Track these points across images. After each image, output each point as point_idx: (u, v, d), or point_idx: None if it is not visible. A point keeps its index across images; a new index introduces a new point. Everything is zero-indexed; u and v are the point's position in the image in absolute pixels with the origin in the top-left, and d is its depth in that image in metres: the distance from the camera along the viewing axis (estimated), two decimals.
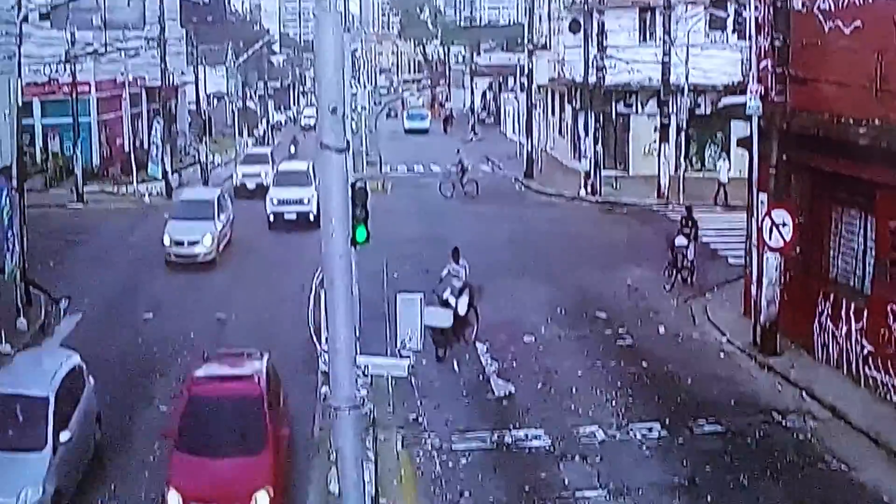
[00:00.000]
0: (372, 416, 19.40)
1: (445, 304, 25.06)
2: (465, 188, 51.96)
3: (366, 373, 14.71)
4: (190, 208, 37.56)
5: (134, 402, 22.28)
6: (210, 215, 37.04)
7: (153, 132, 54.38)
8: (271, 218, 42.77)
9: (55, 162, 55.19)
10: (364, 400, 13.58)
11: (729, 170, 46.27)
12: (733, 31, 51.57)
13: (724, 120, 47.33)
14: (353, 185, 13.31)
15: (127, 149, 59.18)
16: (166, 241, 35.69)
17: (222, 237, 37.44)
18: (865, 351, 22.32)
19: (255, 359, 19.62)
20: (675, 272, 31.91)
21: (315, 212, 39.79)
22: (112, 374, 23.94)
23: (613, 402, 22.31)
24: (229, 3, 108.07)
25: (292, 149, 67.92)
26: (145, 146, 59.39)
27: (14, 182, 29.12)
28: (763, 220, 24.05)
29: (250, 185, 51.44)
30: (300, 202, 42.58)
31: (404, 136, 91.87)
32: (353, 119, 52.59)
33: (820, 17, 23.52)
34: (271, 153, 57.83)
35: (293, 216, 42.38)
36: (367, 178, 34.38)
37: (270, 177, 48.20)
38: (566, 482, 18.50)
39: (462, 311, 25.55)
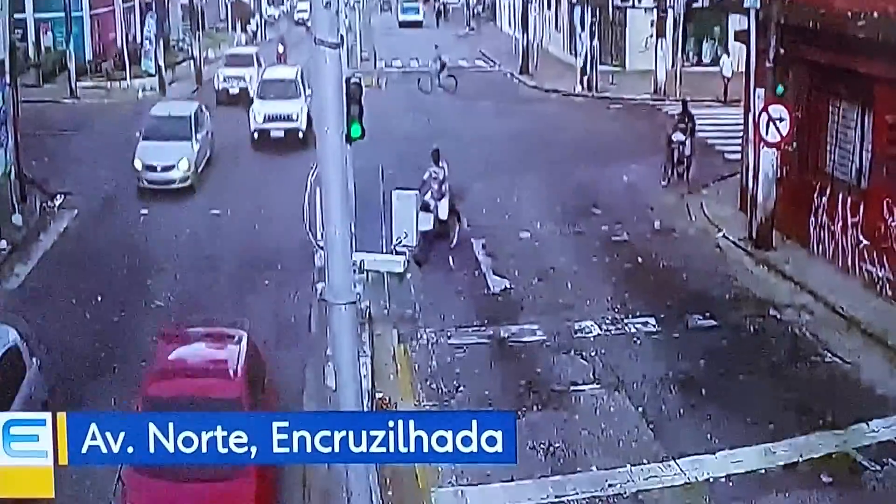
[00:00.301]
0: (368, 312, 19.44)
1: (426, 207, 24.20)
2: (443, 83, 51.86)
3: (362, 269, 14.72)
4: (163, 126, 32.90)
5: (128, 301, 22.21)
6: (186, 134, 32.64)
7: (146, 27, 53.69)
8: (255, 135, 37.95)
9: (48, 57, 54.69)
10: (360, 296, 13.57)
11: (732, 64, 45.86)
12: None
13: (721, 13, 46.80)
14: (347, 81, 13.19)
15: (120, 44, 58.54)
16: (137, 166, 31.42)
17: (200, 158, 33.09)
18: (861, 245, 22.38)
19: (231, 340, 15.61)
20: (671, 167, 31.79)
21: (304, 128, 36.83)
22: (108, 270, 24.00)
23: (609, 297, 22.41)
24: None
25: (280, 49, 61.25)
26: (138, 41, 58.76)
27: (7, 77, 28.88)
28: (760, 114, 23.91)
29: (233, 90, 47.19)
30: (288, 118, 37.89)
31: (398, 30, 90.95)
32: (346, 14, 51.69)
33: None
34: (257, 54, 52.42)
35: (280, 133, 37.76)
36: (361, 74, 34.00)
37: (256, 81, 43.14)
38: (561, 376, 18.65)
39: (443, 214, 25.34)
